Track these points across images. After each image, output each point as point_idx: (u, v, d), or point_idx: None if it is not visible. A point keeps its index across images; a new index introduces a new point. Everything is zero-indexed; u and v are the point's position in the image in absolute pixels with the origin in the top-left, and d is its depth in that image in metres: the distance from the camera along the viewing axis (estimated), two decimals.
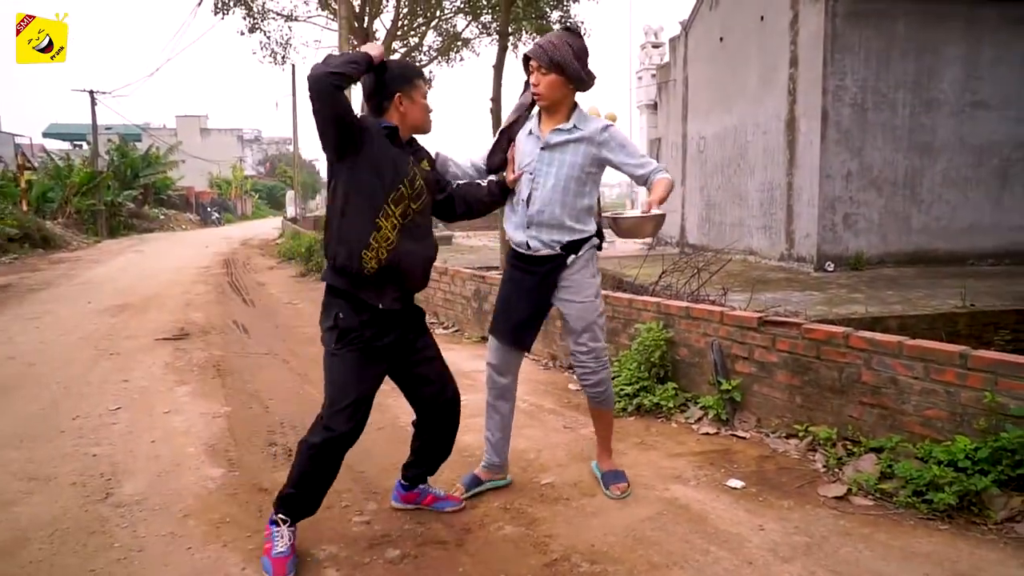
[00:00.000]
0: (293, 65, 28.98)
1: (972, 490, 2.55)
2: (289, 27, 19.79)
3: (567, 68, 2.61)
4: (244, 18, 17.81)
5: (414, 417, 2.76)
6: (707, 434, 3.59)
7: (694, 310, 3.99)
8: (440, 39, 19.82)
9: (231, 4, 16.95)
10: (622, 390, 4.00)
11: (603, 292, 4.88)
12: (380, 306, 2.40)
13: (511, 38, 16.73)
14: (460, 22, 19.21)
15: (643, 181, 2.75)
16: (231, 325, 7.22)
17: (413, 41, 19.61)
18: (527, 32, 17.63)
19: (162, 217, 31.85)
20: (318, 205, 46.13)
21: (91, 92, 26.14)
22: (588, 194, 2.75)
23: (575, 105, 2.75)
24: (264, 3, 17.90)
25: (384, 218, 2.36)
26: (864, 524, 2.60)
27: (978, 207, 10.25)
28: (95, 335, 6.73)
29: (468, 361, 5.39)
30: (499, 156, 2.84)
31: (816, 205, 9.86)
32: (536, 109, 2.80)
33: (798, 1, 10.20)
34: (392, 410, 4.13)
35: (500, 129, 2.88)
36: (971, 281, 7.76)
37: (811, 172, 10.01)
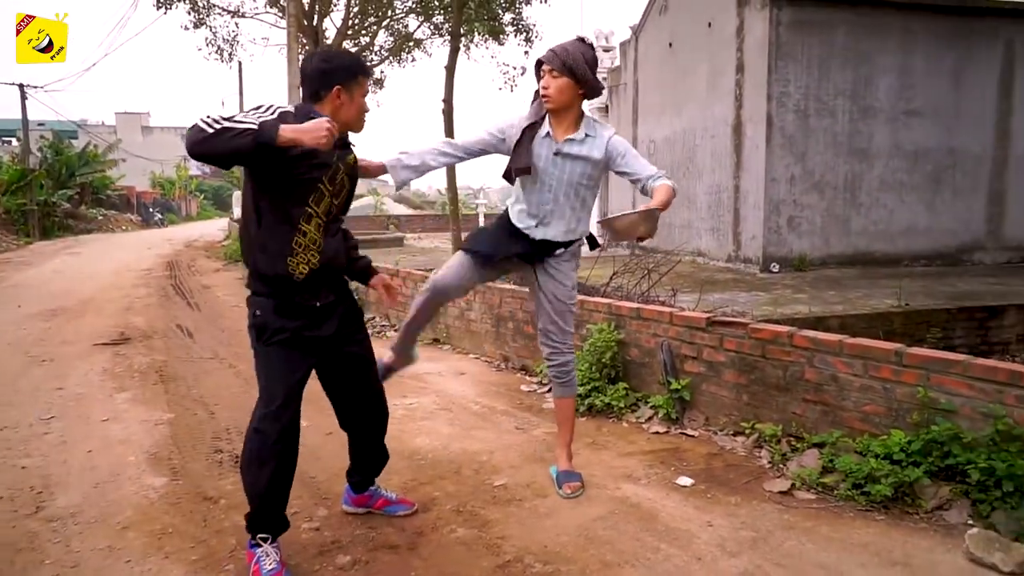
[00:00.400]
0: (240, 62, 28.25)
1: (906, 481, 2.67)
2: (236, 23, 19.32)
3: (578, 72, 2.68)
4: (188, 13, 17.30)
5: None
6: (657, 433, 3.64)
7: (644, 311, 4.05)
8: (392, 39, 19.64)
9: None
10: None
11: None
12: (318, 304, 2.34)
13: (463, 39, 16.69)
14: (412, 22, 19.07)
15: (643, 187, 2.82)
16: (175, 329, 6.99)
17: (364, 40, 19.39)
18: (479, 34, 17.62)
19: (100, 218, 30.58)
20: None
21: (21, 86, 24.93)
22: (590, 199, 2.89)
23: (582, 113, 2.83)
24: None
25: (306, 221, 2.25)
26: (807, 517, 2.68)
27: (913, 211, 10.70)
28: (26, 341, 6.42)
29: (420, 363, 5.33)
30: (524, 159, 2.78)
31: (762, 208, 10.14)
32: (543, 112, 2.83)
33: (744, 9, 10.47)
34: None
35: (522, 130, 2.81)
36: (906, 281, 8.10)
37: (757, 176, 10.29)
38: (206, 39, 18.83)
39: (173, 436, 3.76)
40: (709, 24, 11.47)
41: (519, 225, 2.89)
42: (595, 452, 3.42)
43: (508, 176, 2.83)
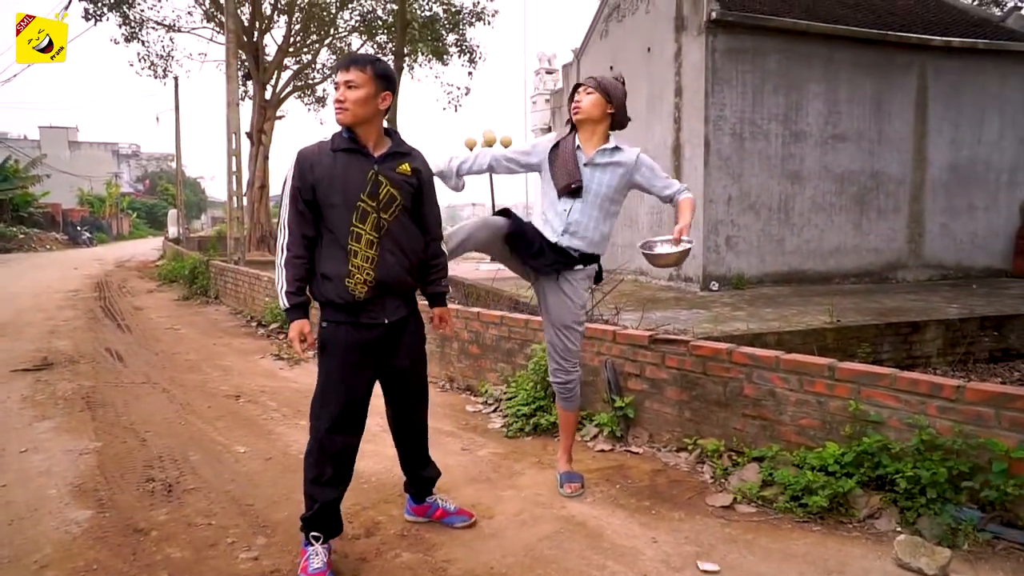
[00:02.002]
0: (176, 77, 27.52)
1: (840, 492, 2.76)
2: (171, 38, 18.85)
3: (611, 92, 2.92)
4: (120, 26, 16.79)
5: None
6: (602, 451, 3.66)
7: (588, 329, 4.09)
8: (334, 57, 19.49)
9: (104, 10, 15.93)
10: (519, 411, 4.03)
11: (500, 313, 4.93)
12: (386, 321, 2.45)
13: (407, 59, 16.71)
14: (355, 41, 19.00)
15: (668, 200, 3.02)
16: (103, 353, 6.66)
17: (306, 58, 19.18)
18: (423, 54, 17.69)
19: (21, 236, 29.06)
20: (204, 225, 43.75)
21: None
22: (613, 217, 3.01)
23: (608, 133, 2.99)
24: (143, 11, 16.95)
25: (355, 240, 2.34)
26: (748, 530, 2.74)
27: (841, 231, 11.21)
28: None
29: None
30: (573, 175, 2.92)
31: (701, 228, 10.44)
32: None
33: (681, 35, 10.84)
34: (283, 438, 3.95)
35: (552, 149, 3.02)
36: (837, 299, 8.45)
37: (696, 196, 10.59)
38: (139, 54, 18.31)
39: (100, 466, 3.56)
40: (648, 49, 11.82)
41: (545, 234, 2.99)
42: (541, 471, 3.41)
43: (566, 193, 2.94)
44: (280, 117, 18.94)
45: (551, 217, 3.00)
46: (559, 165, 2.97)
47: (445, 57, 17.48)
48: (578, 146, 2.97)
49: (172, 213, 31.13)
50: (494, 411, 4.40)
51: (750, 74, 10.48)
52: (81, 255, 25.51)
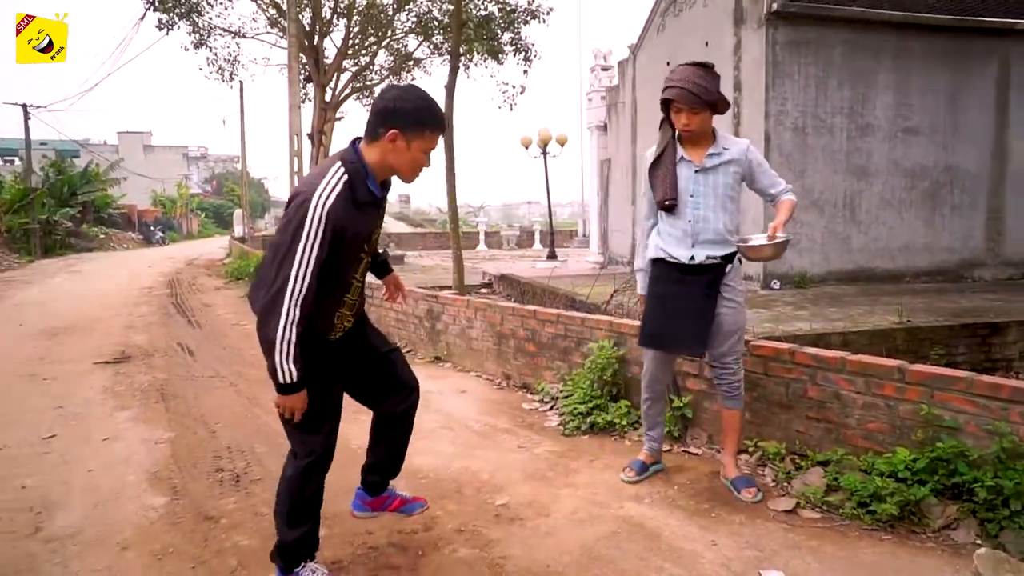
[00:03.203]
0: (241, 82, 28.55)
1: (912, 500, 2.65)
2: (237, 44, 19.51)
3: (719, 104, 2.89)
4: (190, 34, 17.48)
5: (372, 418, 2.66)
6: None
7: None
8: (391, 58, 19.82)
9: (176, 20, 16.62)
10: (575, 409, 4.02)
11: (555, 311, 4.93)
12: (332, 338, 2.31)
13: (463, 59, 16.85)
14: (412, 42, 19.26)
15: (771, 199, 3.07)
16: (176, 347, 6.98)
17: (364, 60, 19.56)
18: (479, 53, 17.79)
19: (102, 236, 30.68)
20: (267, 224, 45.24)
21: (24, 106, 25.14)
22: (735, 209, 3.05)
23: (714, 129, 3.00)
24: (210, 19, 17.61)
25: (352, 293, 2.26)
26: (812, 536, 2.66)
27: (912, 228, 10.73)
28: (27, 359, 6.41)
29: (422, 382, 5.31)
30: (669, 191, 2.97)
31: (761, 225, 10.15)
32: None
33: (740, 28, 10.58)
34: (343, 433, 4.04)
35: (651, 164, 3.08)
36: (907, 298, 8.11)
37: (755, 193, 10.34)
38: (207, 59, 19.00)
39: (174, 455, 3.74)
40: (706, 43, 11.59)
41: (671, 255, 3.01)
42: (597, 471, 3.40)
43: (660, 207, 3.01)
44: (339, 118, 19.36)
45: (671, 233, 3.02)
46: (658, 176, 3.01)
47: (500, 56, 17.54)
48: (681, 157, 2.97)
49: (238, 213, 32.29)
50: (550, 409, 4.40)
51: (813, 67, 10.14)
52: (154, 254, 26.76)
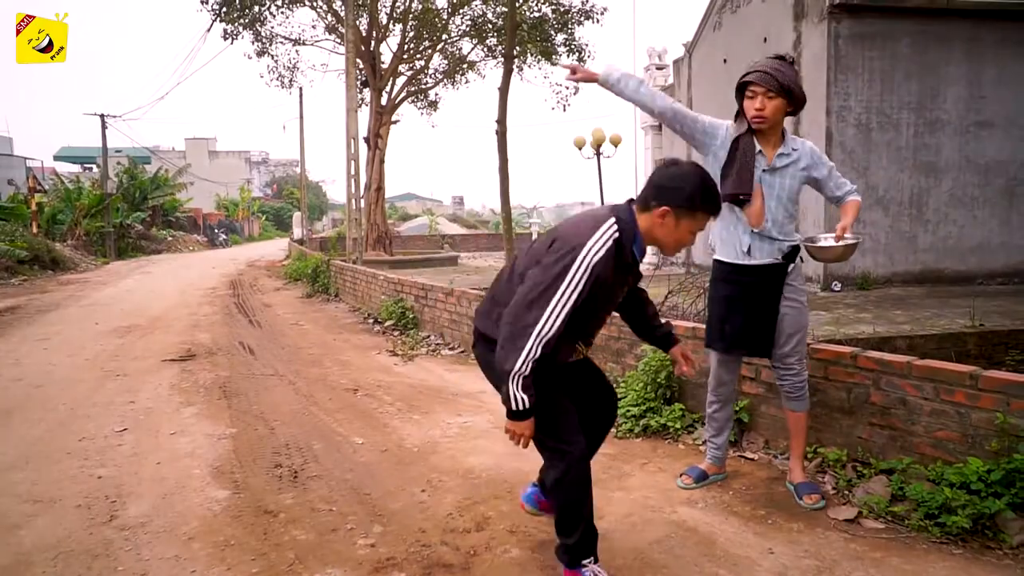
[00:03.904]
0: (300, 88, 29.34)
1: (986, 513, 2.52)
2: (296, 51, 20.10)
3: (795, 92, 2.80)
4: (252, 43, 18.11)
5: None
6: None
7: (700, 330, 3.96)
8: (446, 62, 20.05)
9: (240, 29, 17.22)
10: (628, 411, 3.98)
11: None
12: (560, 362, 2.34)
13: (516, 61, 16.90)
14: (466, 45, 19.46)
15: (836, 201, 3.04)
16: (237, 346, 7.23)
17: (419, 64, 19.85)
18: (532, 55, 17.82)
19: (170, 238, 32.07)
20: (324, 227, 46.38)
21: (102, 116, 26.52)
22: (795, 210, 3.03)
23: (784, 133, 2.95)
24: (272, 28, 18.19)
25: (593, 335, 2.38)
26: (875, 548, 2.56)
27: (986, 226, 10.22)
28: (102, 356, 6.75)
29: (475, 382, 5.37)
30: (746, 184, 2.87)
31: (822, 225, 9.85)
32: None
33: (801, 23, 10.29)
34: (397, 432, 4.12)
35: (728, 157, 2.92)
36: (980, 301, 7.71)
37: (816, 192, 10.02)
38: (268, 67, 19.66)
39: (235, 450, 3.87)
40: (764, 39, 11.30)
41: (731, 258, 2.97)
42: (650, 474, 3.36)
43: (730, 200, 2.89)
44: (395, 122, 19.72)
45: (732, 231, 2.95)
46: (732, 170, 2.88)
47: (554, 57, 17.54)
48: (759, 151, 2.90)
49: (296, 215, 33.19)
50: None
51: (878, 60, 9.78)
52: (218, 255, 27.79)
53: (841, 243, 2.87)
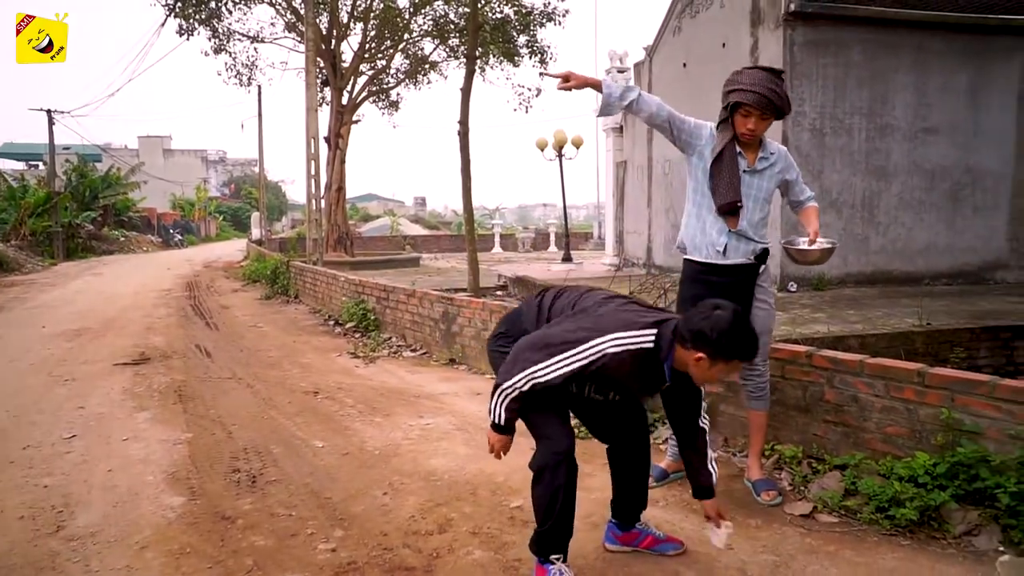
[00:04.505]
0: (259, 86, 28.83)
1: (932, 505, 2.61)
2: (255, 48, 19.72)
3: (785, 112, 2.90)
4: (209, 39, 17.70)
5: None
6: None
7: None
8: (408, 62, 19.92)
9: (196, 25, 16.82)
10: None
11: None
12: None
13: (479, 61, 16.89)
14: (428, 45, 19.36)
15: (798, 205, 3.15)
16: (194, 349, 7.05)
17: (380, 64, 19.68)
18: (494, 56, 17.84)
19: (123, 239, 31.10)
20: (284, 227, 45.61)
21: (48, 111, 25.60)
22: (768, 212, 3.09)
23: (763, 137, 3.03)
24: (230, 25, 17.81)
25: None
26: (830, 541, 2.63)
27: (932, 229, 10.58)
28: (49, 360, 6.51)
29: (437, 383, 5.34)
30: (733, 193, 2.91)
31: (779, 227, 10.08)
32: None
33: (757, 29, 10.51)
34: (359, 434, 4.07)
35: (713, 162, 2.96)
36: (927, 300, 7.99)
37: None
38: (226, 64, 19.22)
39: (191, 456, 3.78)
40: (723, 44, 11.52)
41: (704, 258, 2.99)
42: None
43: (723, 211, 2.94)
44: (356, 121, 19.51)
45: (712, 232, 2.98)
46: (723, 179, 2.92)
47: (516, 58, 17.59)
48: (739, 152, 2.95)
49: (255, 216, 32.60)
50: None
51: (832, 67, 10.05)
52: (173, 256, 27.08)
53: (819, 246, 2.98)
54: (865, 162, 10.31)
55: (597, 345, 2.13)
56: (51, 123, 25.54)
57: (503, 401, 2.24)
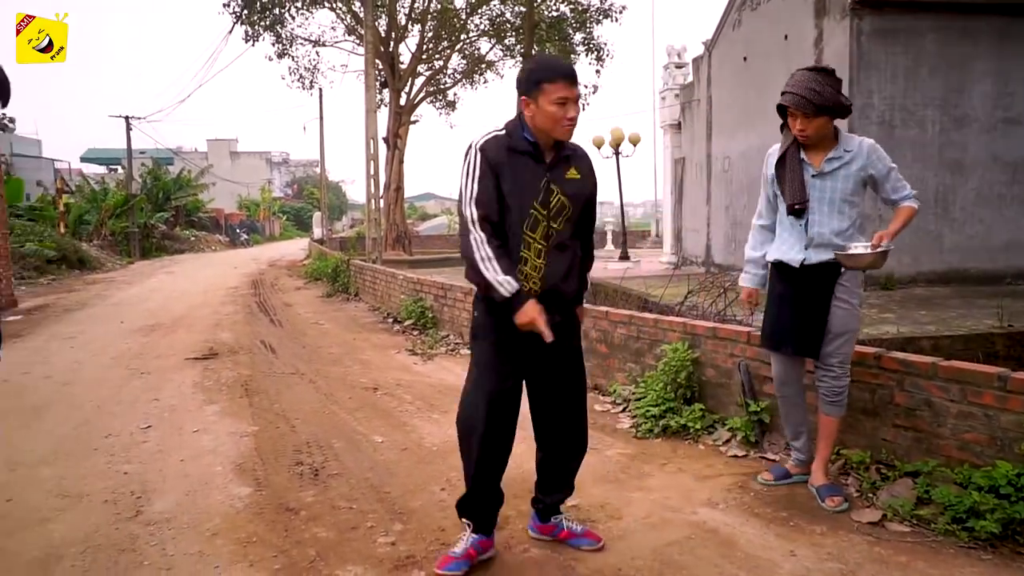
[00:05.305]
0: (320, 89, 29.64)
1: (1016, 518, 2.47)
2: (317, 52, 20.25)
3: (836, 109, 2.84)
4: (273, 44, 18.29)
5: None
6: (735, 456, 3.52)
7: (720, 330, 3.95)
8: (464, 61, 20.10)
9: (261, 31, 17.39)
10: (648, 411, 3.97)
11: (628, 312, 4.87)
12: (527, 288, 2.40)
13: None
14: (484, 45, 19.49)
15: (890, 204, 3.04)
16: (259, 345, 7.30)
17: (437, 64, 19.92)
18: (551, 53, 17.80)
19: (192, 238, 32.50)
20: (344, 226, 46.71)
21: (126, 118, 26.97)
22: (854, 213, 2.98)
23: (837, 129, 2.95)
24: (292, 30, 18.35)
25: (526, 248, 2.34)
26: (901, 552, 2.53)
27: (1014, 224, 10.01)
28: (127, 354, 6.85)
29: None
30: (798, 193, 2.94)
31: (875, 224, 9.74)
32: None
33: (822, 19, 10.16)
34: (417, 431, 4.14)
35: (777, 165, 3.04)
36: (1008, 300, 7.56)
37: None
38: (289, 68, 19.79)
39: (257, 448, 3.92)
40: (785, 37, 11.18)
41: (786, 258, 3.00)
42: (671, 475, 3.34)
43: (790, 211, 2.97)
44: (414, 122, 19.83)
45: (788, 236, 3.01)
46: (788, 182, 2.96)
47: (572, 56, 17.51)
48: (803, 159, 2.92)
49: (317, 215, 33.50)
50: (623, 411, 4.36)
51: (902, 56, 9.62)
52: (239, 255, 28.09)
53: (869, 252, 2.84)
54: (938, 155, 9.83)
55: (471, 150, 2.33)
56: (128, 129, 26.89)
57: (490, 266, 2.26)
